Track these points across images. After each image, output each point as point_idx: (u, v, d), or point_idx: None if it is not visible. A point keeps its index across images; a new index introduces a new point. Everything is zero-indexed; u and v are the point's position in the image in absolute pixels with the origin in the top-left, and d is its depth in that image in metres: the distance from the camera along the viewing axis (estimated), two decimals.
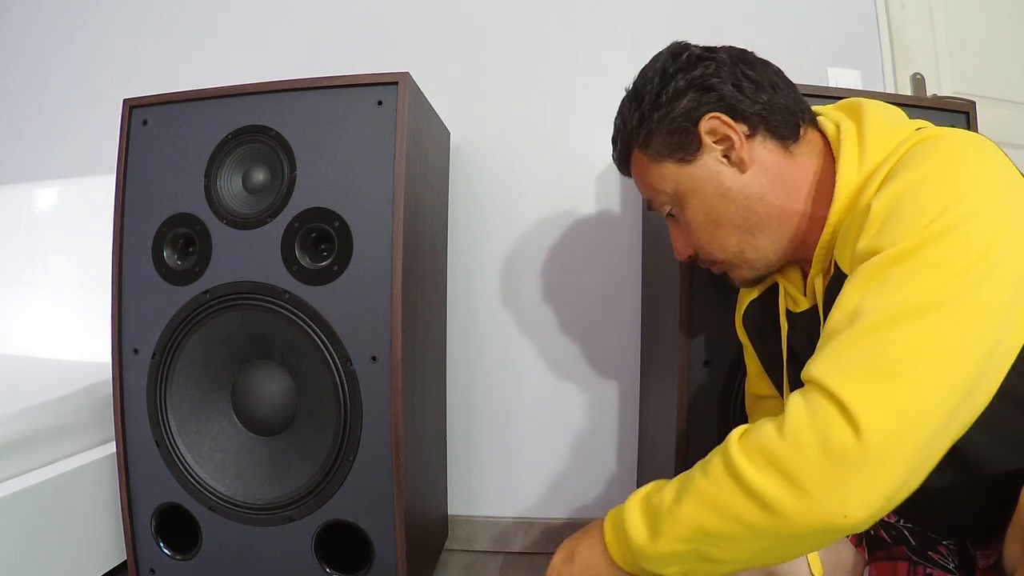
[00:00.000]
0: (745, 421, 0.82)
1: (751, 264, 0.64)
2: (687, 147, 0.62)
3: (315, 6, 1.47)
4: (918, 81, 1.38)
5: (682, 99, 0.62)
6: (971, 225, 0.45)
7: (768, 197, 0.61)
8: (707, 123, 0.61)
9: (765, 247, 0.63)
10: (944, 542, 0.63)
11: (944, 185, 0.47)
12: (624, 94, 0.69)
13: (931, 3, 1.42)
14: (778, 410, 0.76)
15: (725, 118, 0.60)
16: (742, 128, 0.61)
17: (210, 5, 1.52)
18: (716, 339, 0.92)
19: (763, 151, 0.61)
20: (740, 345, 0.83)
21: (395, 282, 0.92)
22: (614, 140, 0.71)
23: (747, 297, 0.76)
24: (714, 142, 0.61)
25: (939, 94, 1.39)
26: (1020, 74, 1.46)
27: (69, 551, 1.02)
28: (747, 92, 0.61)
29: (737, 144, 0.61)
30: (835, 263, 0.57)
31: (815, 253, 0.59)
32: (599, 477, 1.38)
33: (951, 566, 0.62)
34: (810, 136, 0.62)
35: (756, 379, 0.81)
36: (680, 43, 0.66)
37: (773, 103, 0.61)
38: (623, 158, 0.70)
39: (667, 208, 0.67)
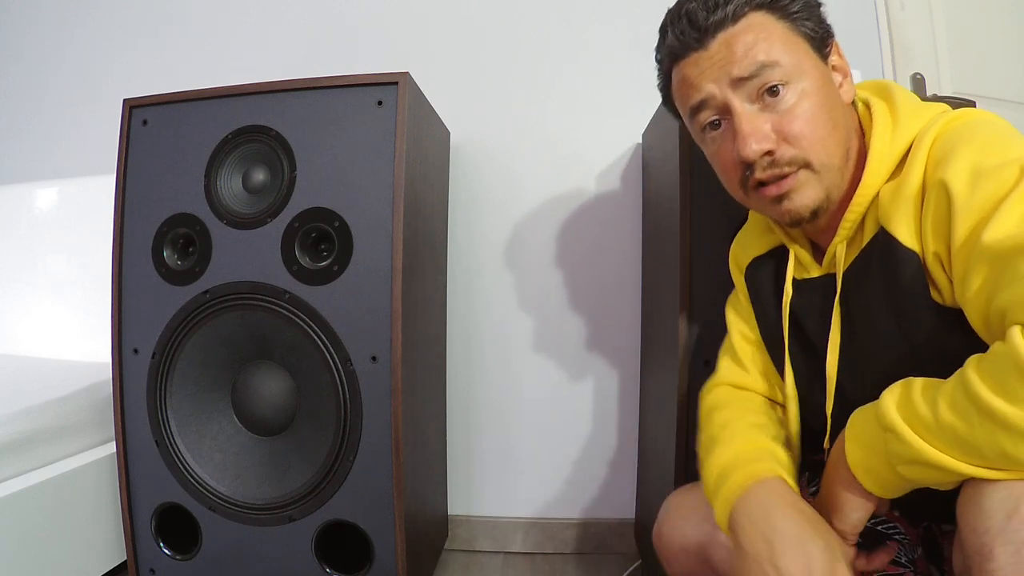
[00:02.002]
0: None
1: (827, 185, 0.59)
2: (824, 45, 0.61)
3: (315, 6, 1.47)
4: (918, 81, 1.38)
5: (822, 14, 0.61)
6: None
7: (854, 138, 0.60)
8: (835, 45, 0.62)
9: (842, 180, 0.60)
10: (897, 537, 0.63)
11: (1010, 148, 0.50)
12: None
13: (931, 3, 1.42)
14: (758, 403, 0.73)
15: (842, 52, 0.62)
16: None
17: (210, 5, 1.52)
18: (716, 339, 0.91)
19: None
20: None
21: (395, 282, 0.92)
22: None
23: (748, 252, 0.74)
24: (833, 67, 0.62)
25: (939, 94, 1.39)
26: (1020, 74, 1.46)
27: (69, 551, 1.02)
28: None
29: (848, 80, 0.62)
30: (882, 230, 0.56)
31: (845, 218, 0.59)
32: (599, 477, 1.38)
33: (904, 559, 0.62)
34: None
35: (742, 349, 0.76)
36: None
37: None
38: (735, 12, 0.57)
39: (769, 83, 0.57)
